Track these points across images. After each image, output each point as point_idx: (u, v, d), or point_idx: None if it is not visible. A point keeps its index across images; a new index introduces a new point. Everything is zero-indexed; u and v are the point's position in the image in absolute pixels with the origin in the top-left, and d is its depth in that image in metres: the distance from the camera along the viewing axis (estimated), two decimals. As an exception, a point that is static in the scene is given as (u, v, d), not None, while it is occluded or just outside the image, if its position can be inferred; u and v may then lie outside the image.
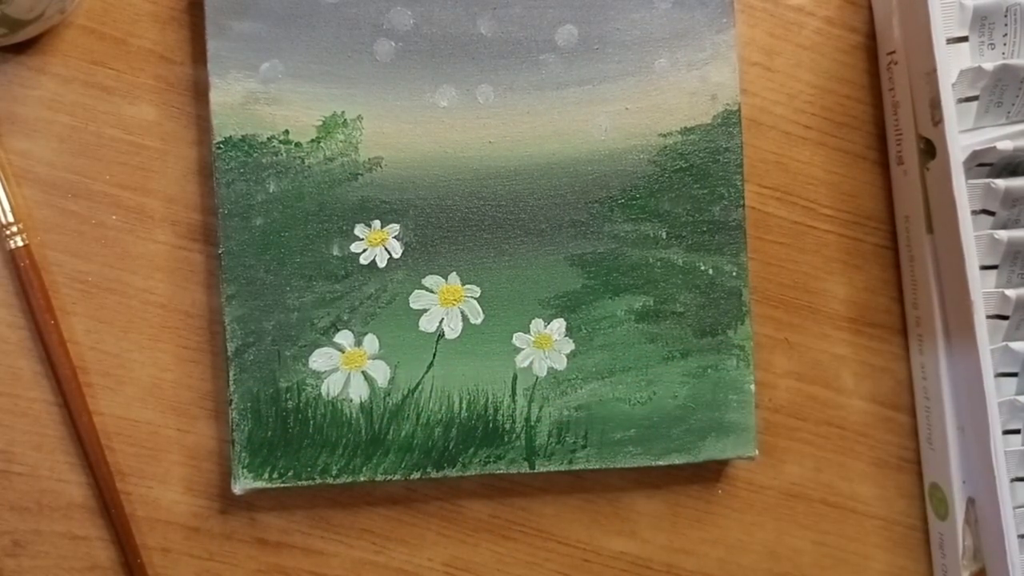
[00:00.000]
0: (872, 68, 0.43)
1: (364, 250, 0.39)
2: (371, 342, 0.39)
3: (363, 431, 0.39)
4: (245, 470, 0.39)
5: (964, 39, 0.40)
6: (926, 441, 0.43)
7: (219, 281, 0.39)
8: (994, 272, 0.40)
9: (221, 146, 0.38)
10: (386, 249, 0.39)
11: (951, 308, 0.41)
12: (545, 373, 0.40)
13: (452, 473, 0.39)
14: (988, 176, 0.40)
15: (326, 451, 0.39)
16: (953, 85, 0.39)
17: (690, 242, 0.40)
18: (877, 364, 0.44)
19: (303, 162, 0.39)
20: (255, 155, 0.39)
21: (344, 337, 0.39)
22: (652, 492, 0.43)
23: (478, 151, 0.40)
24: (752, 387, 0.41)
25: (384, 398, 0.39)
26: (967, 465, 0.41)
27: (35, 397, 0.40)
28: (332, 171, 0.39)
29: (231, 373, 0.39)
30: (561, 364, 0.40)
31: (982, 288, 0.39)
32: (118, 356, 0.40)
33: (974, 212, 0.40)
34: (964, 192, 0.38)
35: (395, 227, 0.39)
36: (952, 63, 0.39)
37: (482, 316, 0.40)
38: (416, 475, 0.39)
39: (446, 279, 0.40)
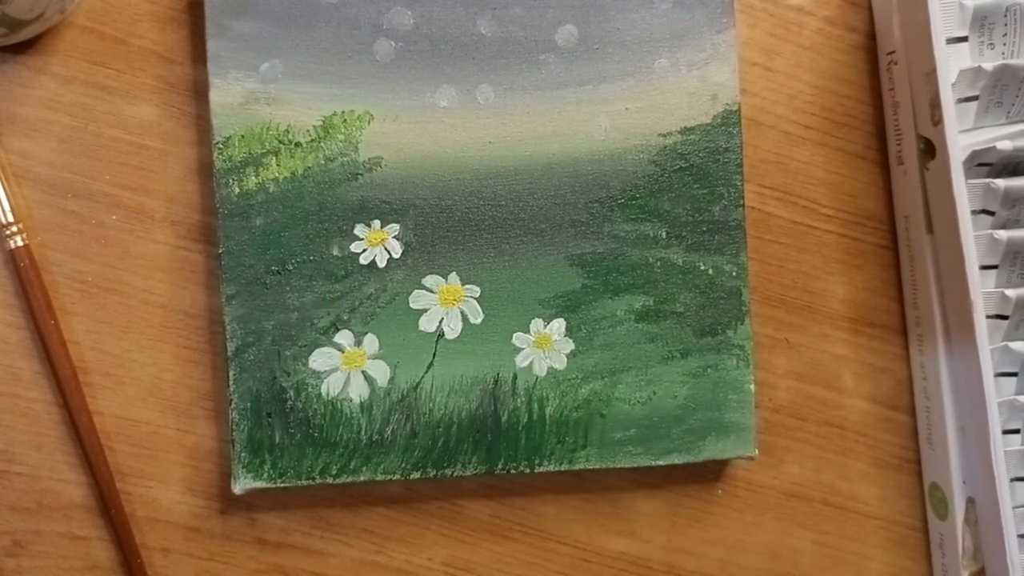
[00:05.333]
0: (872, 68, 0.43)
1: (364, 250, 0.39)
2: (371, 342, 0.39)
3: (363, 431, 0.39)
4: (245, 470, 0.39)
5: (964, 39, 0.40)
6: (926, 441, 0.43)
7: (219, 281, 0.39)
8: (994, 272, 0.40)
9: (221, 146, 0.38)
10: (386, 249, 0.39)
11: (951, 308, 0.41)
12: (545, 373, 0.40)
13: (452, 473, 0.39)
14: (988, 176, 0.40)
15: (326, 451, 0.39)
16: (953, 85, 0.39)
17: (690, 242, 0.40)
18: (877, 364, 0.44)
19: (303, 162, 0.39)
20: (255, 155, 0.39)
21: (344, 337, 0.39)
22: (652, 492, 0.43)
23: (478, 151, 0.40)
24: (752, 387, 0.41)
25: (384, 398, 0.39)
26: (967, 465, 0.41)
27: (35, 397, 0.40)
28: (332, 171, 0.39)
29: (231, 373, 0.39)
30: (561, 364, 0.40)
31: (982, 288, 0.39)
32: (118, 356, 0.40)
33: (974, 212, 0.40)
34: (964, 192, 0.38)
35: (395, 227, 0.39)
36: (952, 63, 0.39)
37: (482, 316, 0.40)
38: (416, 475, 0.39)
39: (446, 279, 0.40)
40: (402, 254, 0.39)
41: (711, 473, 0.43)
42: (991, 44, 0.40)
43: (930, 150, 0.40)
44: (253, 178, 0.39)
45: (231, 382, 0.39)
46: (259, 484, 0.39)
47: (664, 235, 0.40)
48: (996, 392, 0.39)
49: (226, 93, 0.38)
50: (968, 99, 0.40)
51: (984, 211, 0.40)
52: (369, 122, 0.39)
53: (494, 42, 0.40)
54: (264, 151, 0.39)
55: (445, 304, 0.40)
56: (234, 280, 0.39)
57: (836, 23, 0.43)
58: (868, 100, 0.44)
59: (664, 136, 0.40)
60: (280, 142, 0.39)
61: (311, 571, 0.41)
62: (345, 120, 0.39)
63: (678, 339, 0.40)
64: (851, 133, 0.44)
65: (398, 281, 0.39)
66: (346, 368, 0.39)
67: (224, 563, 0.41)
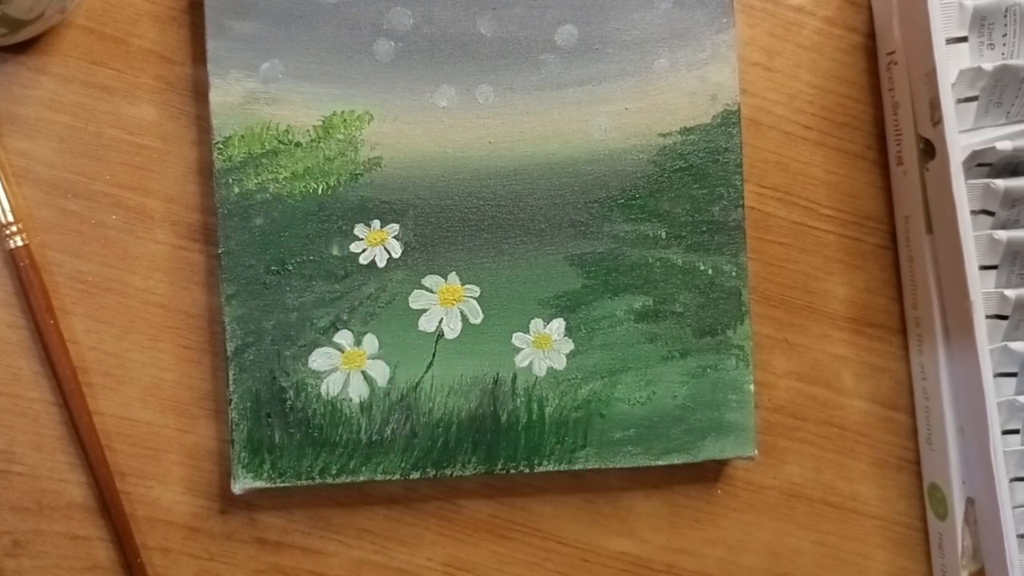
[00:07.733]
0: (872, 68, 0.43)
1: (364, 250, 0.39)
2: (371, 342, 0.39)
3: (363, 431, 0.39)
4: (245, 470, 0.39)
5: (964, 39, 0.40)
6: (925, 441, 0.43)
7: (219, 281, 0.39)
8: (993, 272, 0.40)
9: (221, 146, 0.38)
10: (386, 249, 0.39)
11: (951, 308, 0.41)
12: (544, 373, 0.40)
13: (452, 473, 0.39)
14: (988, 176, 0.40)
15: (326, 451, 0.39)
16: (953, 85, 0.39)
17: (690, 242, 0.40)
18: (877, 364, 0.44)
19: (303, 162, 0.39)
20: (255, 155, 0.39)
21: (344, 337, 0.39)
22: (651, 492, 0.43)
23: (478, 151, 0.40)
24: (752, 387, 0.41)
25: (384, 398, 0.39)
26: (966, 465, 0.41)
27: (35, 397, 0.40)
28: (332, 171, 0.39)
29: (231, 373, 0.39)
30: (560, 364, 0.40)
31: (981, 288, 0.39)
32: (118, 356, 0.40)
33: (973, 212, 0.40)
34: (963, 192, 0.38)
35: (395, 227, 0.39)
36: (952, 63, 0.39)
37: (481, 316, 0.40)
38: (416, 475, 0.39)
39: (446, 279, 0.40)
40: (402, 254, 0.39)
41: (711, 473, 0.43)
42: (991, 44, 0.40)
43: (930, 150, 0.40)
44: (253, 178, 0.39)
45: (231, 382, 0.39)
46: (259, 484, 0.39)
47: (664, 235, 0.40)
48: (995, 392, 0.39)
49: (226, 93, 0.38)
50: (968, 99, 0.40)
51: (984, 211, 0.40)
52: (369, 122, 0.39)
53: (494, 42, 0.40)
54: (264, 151, 0.39)
55: (445, 304, 0.40)
56: (234, 280, 0.39)
57: (836, 23, 0.43)
58: (868, 100, 0.44)
59: (664, 136, 0.40)
60: (280, 142, 0.39)
61: (311, 571, 0.41)
62: (345, 120, 0.39)
63: (678, 339, 0.40)
64: (851, 133, 0.44)
65: (398, 281, 0.39)
66: (346, 368, 0.39)
67: (224, 563, 0.41)
